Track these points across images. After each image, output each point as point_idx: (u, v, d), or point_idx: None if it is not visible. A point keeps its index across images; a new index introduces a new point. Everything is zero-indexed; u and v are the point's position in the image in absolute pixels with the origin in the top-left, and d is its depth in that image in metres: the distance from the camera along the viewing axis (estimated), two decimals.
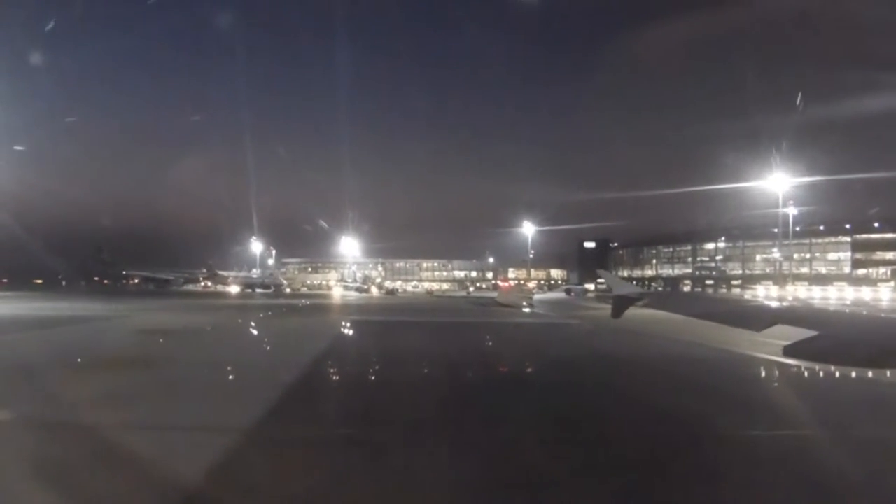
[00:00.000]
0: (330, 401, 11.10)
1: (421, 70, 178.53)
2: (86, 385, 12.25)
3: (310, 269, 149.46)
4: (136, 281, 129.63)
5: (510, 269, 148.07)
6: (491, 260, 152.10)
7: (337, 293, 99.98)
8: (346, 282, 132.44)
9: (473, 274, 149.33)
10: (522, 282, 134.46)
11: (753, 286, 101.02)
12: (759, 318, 7.06)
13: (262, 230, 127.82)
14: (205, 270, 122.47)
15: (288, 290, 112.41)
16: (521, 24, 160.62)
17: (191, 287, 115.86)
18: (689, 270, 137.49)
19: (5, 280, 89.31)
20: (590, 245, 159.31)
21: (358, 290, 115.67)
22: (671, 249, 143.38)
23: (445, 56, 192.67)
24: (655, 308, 9.37)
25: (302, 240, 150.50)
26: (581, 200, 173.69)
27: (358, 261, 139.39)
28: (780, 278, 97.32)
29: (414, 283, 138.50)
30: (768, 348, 11.94)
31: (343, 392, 12.48)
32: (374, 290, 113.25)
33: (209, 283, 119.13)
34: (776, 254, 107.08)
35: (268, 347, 21.45)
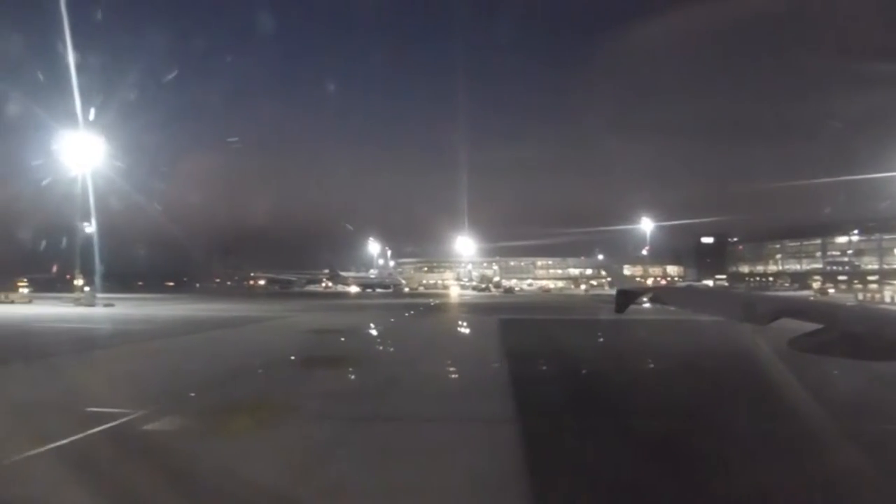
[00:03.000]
0: (562, 393, 11.49)
1: (536, 68, 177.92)
2: (327, 381, 13.21)
3: (425, 269, 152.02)
4: (262, 282, 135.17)
5: (625, 266, 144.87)
6: (601, 257, 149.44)
7: (455, 292, 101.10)
8: (461, 281, 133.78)
9: (588, 271, 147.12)
10: (639, 279, 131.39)
11: (893, 281, 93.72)
12: (764, 311, 6.88)
13: (378, 231, 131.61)
14: (327, 271, 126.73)
15: (406, 290, 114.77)
16: (634, 17, 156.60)
17: (312, 288, 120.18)
18: (819, 266, 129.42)
19: (140, 283, 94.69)
20: (707, 240, 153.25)
21: (475, 288, 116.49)
22: (798, 244, 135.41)
23: (560, 53, 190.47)
24: (660, 303, 9.19)
25: (417, 240, 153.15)
26: (698, 194, 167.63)
27: (473, 260, 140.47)
28: None
29: (528, 281, 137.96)
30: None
31: (572, 384, 12.73)
32: (492, 289, 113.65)
33: (330, 284, 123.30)
34: None
35: (448, 346, 21.99)
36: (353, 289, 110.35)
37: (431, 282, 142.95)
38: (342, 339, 22.91)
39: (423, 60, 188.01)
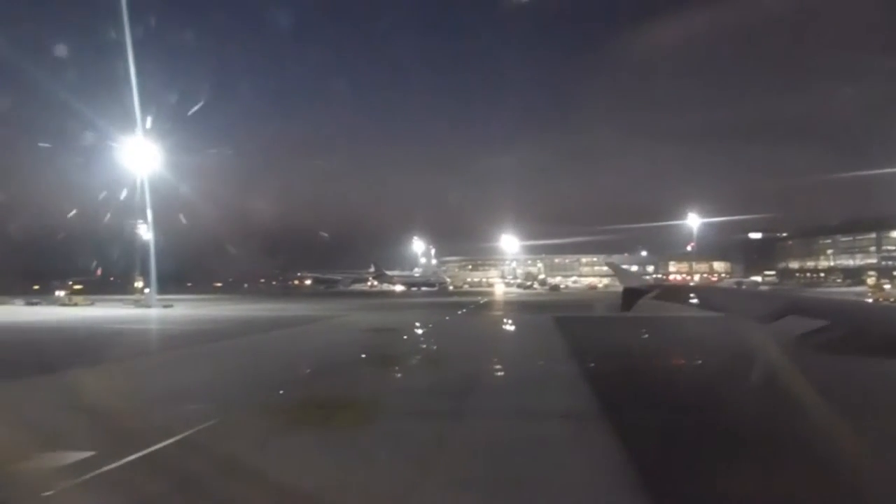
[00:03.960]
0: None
1: (583, 64, 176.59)
2: (405, 378, 13.78)
3: (469, 267, 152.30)
4: (308, 282, 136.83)
5: (671, 262, 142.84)
6: (644, 253, 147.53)
7: (500, 290, 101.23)
8: (506, 278, 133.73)
9: (634, 268, 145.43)
10: (686, 276, 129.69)
11: None
12: (770, 308, 6.94)
13: (421, 230, 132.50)
14: (372, 270, 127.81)
15: (451, 288, 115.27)
16: (681, 13, 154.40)
17: (357, 287, 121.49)
18: (873, 261, 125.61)
19: (189, 284, 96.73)
20: (755, 236, 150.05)
21: (520, 286, 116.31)
22: (851, 238, 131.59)
23: (606, 50, 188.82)
24: (665, 300, 9.23)
25: (460, 238, 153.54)
26: (746, 190, 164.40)
27: (517, 257, 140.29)
28: None
29: (573, 278, 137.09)
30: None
31: (641, 380, 12.93)
32: (537, 286, 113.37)
33: (375, 283, 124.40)
34: None
35: (510, 344, 22.48)
36: (398, 288, 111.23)
37: (475, 280, 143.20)
38: (404, 336, 23.55)
39: (467, 59, 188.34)
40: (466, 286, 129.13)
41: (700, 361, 16.45)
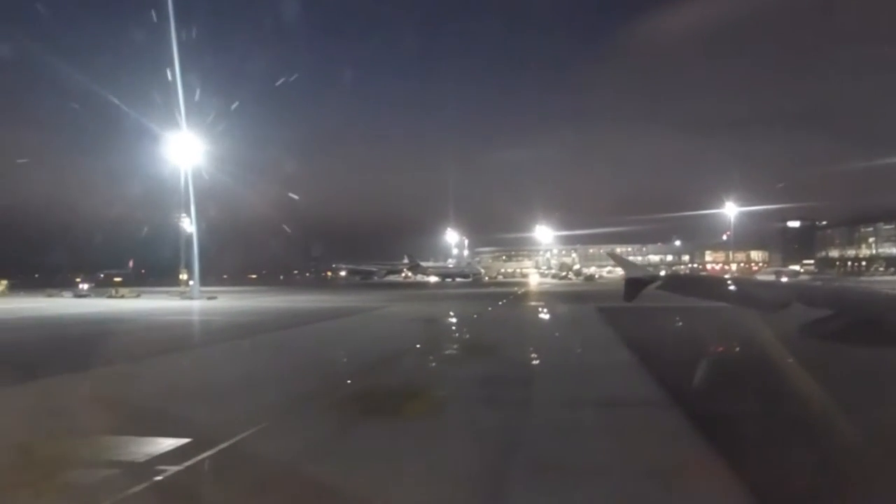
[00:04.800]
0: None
1: (616, 54, 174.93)
2: (466, 368, 14.06)
3: (503, 258, 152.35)
4: (343, 273, 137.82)
5: (707, 252, 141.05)
6: (677, 243, 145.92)
7: (535, 280, 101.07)
8: (540, 269, 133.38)
9: (669, 258, 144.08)
10: (722, 265, 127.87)
11: None
12: (775, 298, 6.86)
13: (455, 221, 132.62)
14: (406, 261, 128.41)
15: (486, 279, 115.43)
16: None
17: (392, 278, 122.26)
18: None
19: (225, 276, 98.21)
20: (794, 224, 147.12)
21: (554, 276, 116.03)
22: (893, 227, 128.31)
23: (641, 39, 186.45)
24: (669, 290, 9.11)
25: (494, 229, 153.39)
26: (784, 178, 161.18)
27: (551, 248, 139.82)
28: None
29: (608, 268, 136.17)
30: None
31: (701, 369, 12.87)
32: (572, 277, 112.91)
33: (409, 274, 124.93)
34: None
35: (559, 333, 22.65)
36: (432, 279, 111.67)
37: (509, 271, 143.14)
38: (452, 327, 23.92)
39: (505, 50, 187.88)
40: (500, 277, 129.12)
41: (738, 349, 16.29)
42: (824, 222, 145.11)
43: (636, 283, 9.28)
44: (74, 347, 19.51)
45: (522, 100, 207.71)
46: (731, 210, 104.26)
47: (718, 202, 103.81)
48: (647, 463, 6.99)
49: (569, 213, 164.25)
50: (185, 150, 50.94)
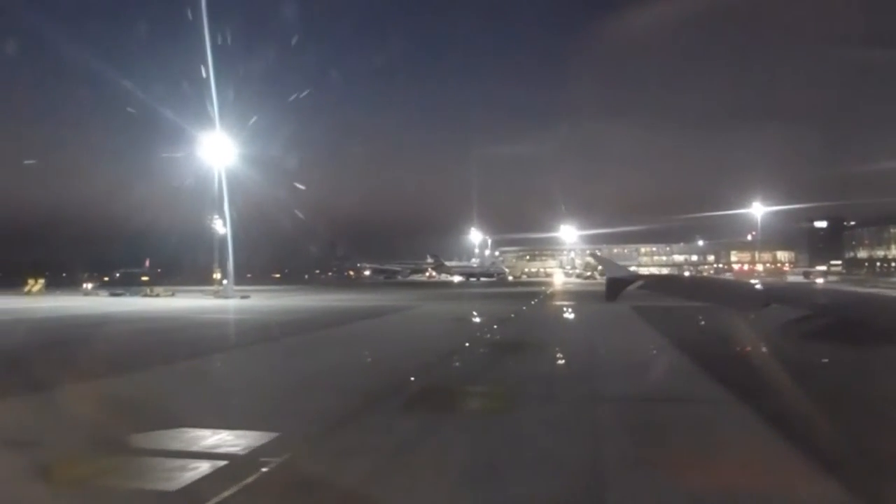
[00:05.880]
0: None
1: (636, 51, 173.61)
2: (519, 365, 14.46)
3: (527, 257, 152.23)
4: (367, 272, 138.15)
5: (732, 252, 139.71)
6: (700, 243, 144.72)
7: (559, 280, 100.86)
8: (564, 268, 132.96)
9: (694, 258, 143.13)
10: (749, 265, 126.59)
11: None
12: (754, 299, 6.92)
13: (479, 220, 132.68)
14: (431, 261, 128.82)
15: (510, 279, 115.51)
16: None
17: (415, 277, 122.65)
18: None
19: (249, 275, 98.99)
20: (821, 224, 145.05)
21: (578, 276, 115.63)
22: None
23: (664, 38, 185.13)
24: (650, 290, 9.22)
25: (518, 229, 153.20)
26: (810, 178, 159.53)
27: (575, 247, 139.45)
28: None
29: (632, 267, 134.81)
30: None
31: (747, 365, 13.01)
32: (597, 276, 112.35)
33: (433, 273, 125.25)
34: None
35: (600, 331, 22.80)
36: (456, 278, 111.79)
37: (533, 270, 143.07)
38: (494, 326, 24.19)
39: (530, 50, 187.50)
40: (524, 276, 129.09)
41: (765, 349, 16.31)
42: (853, 222, 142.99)
43: (618, 283, 9.52)
44: (152, 341, 21.19)
45: (548, 100, 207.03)
46: (757, 210, 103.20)
47: (743, 201, 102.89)
48: (724, 457, 7.29)
49: (593, 213, 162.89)
50: (217, 152, 51.71)
